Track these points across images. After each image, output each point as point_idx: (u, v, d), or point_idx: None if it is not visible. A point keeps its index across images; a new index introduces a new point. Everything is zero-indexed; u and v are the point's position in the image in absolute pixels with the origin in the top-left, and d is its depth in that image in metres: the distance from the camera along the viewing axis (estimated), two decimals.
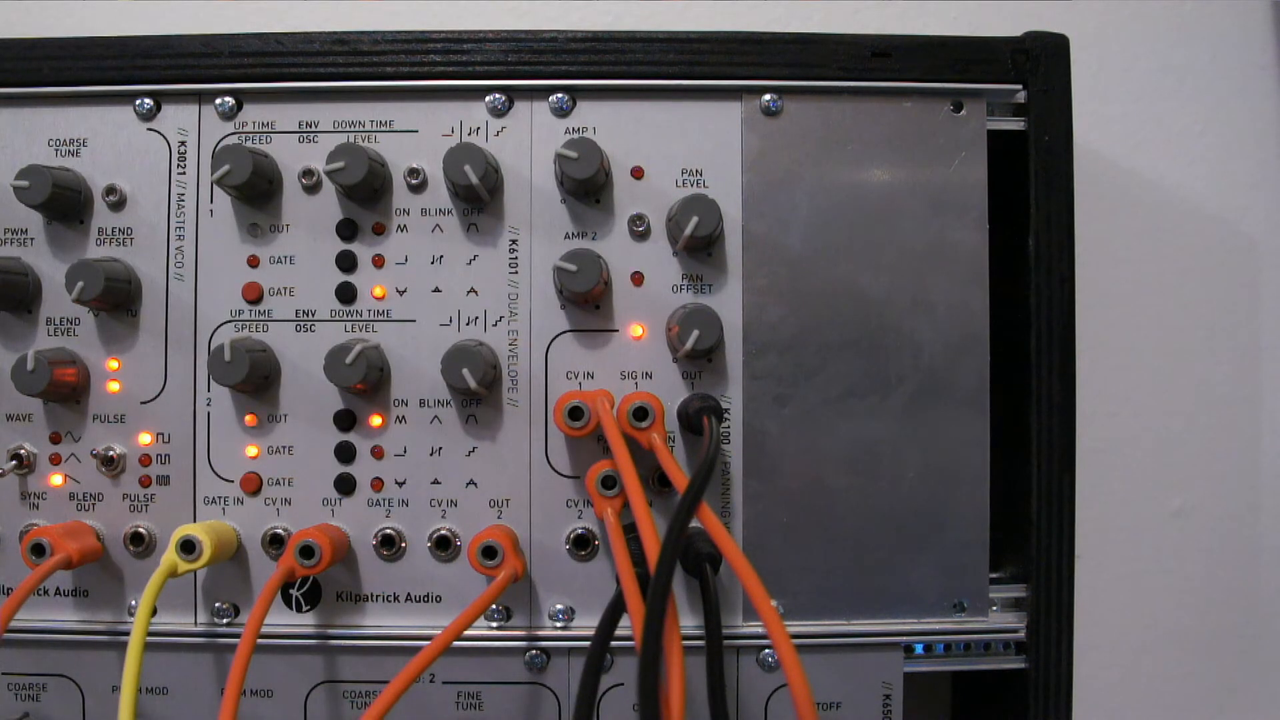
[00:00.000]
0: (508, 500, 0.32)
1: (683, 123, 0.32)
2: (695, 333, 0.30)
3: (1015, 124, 0.32)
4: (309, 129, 0.32)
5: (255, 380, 0.31)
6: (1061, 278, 0.32)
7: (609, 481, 0.29)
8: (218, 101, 0.32)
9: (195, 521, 0.32)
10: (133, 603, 0.32)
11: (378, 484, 0.32)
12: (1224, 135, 0.41)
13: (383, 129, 0.32)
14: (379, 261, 0.32)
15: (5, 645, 0.32)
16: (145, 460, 0.32)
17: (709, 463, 0.26)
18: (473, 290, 0.32)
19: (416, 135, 0.32)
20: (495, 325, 0.32)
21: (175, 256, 0.32)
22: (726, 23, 0.39)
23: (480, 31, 0.32)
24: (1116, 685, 0.41)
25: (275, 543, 0.32)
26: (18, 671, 0.32)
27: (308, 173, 0.32)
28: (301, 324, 0.32)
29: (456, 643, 0.28)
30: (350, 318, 0.32)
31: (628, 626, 0.25)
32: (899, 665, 0.32)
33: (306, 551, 0.29)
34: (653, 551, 0.24)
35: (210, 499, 0.32)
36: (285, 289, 0.32)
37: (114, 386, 0.32)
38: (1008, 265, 0.32)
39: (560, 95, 0.32)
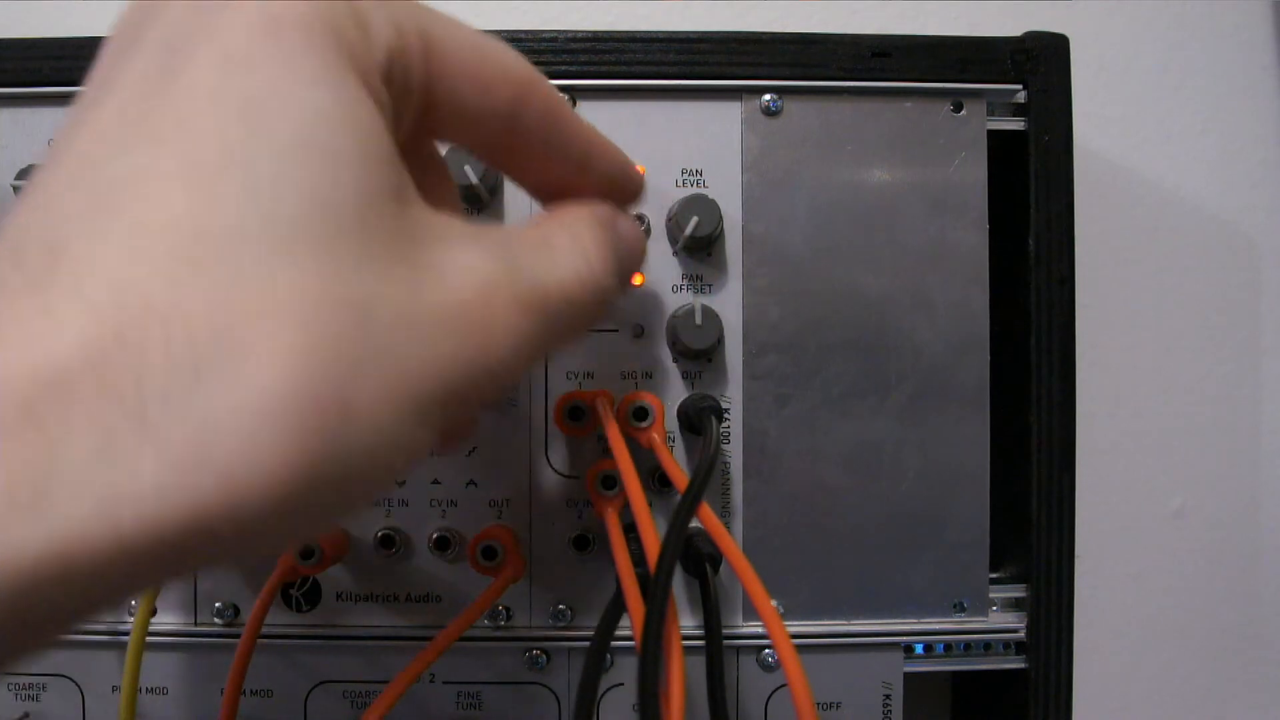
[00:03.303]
0: (508, 500, 0.32)
1: (683, 123, 0.32)
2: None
3: (1015, 124, 0.32)
4: None
5: None
6: (1061, 278, 0.32)
7: (609, 481, 0.29)
8: None
9: None
10: (133, 603, 0.32)
11: None
12: (1224, 135, 0.41)
13: None
14: None
15: None
16: None
17: (709, 463, 0.26)
18: None
19: None
20: None
21: None
22: (726, 23, 0.39)
23: None
24: (1116, 685, 0.41)
25: None
26: (18, 671, 0.32)
27: None
28: None
29: (456, 643, 0.28)
30: None
31: (628, 626, 0.25)
32: (899, 665, 0.32)
33: (306, 552, 0.29)
34: (653, 551, 0.24)
35: None
36: None
37: None
38: (1008, 265, 0.32)
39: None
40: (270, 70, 0.16)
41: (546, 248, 0.20)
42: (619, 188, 0.24)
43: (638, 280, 0.32)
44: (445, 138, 0.22)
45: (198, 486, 0.14)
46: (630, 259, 0.24)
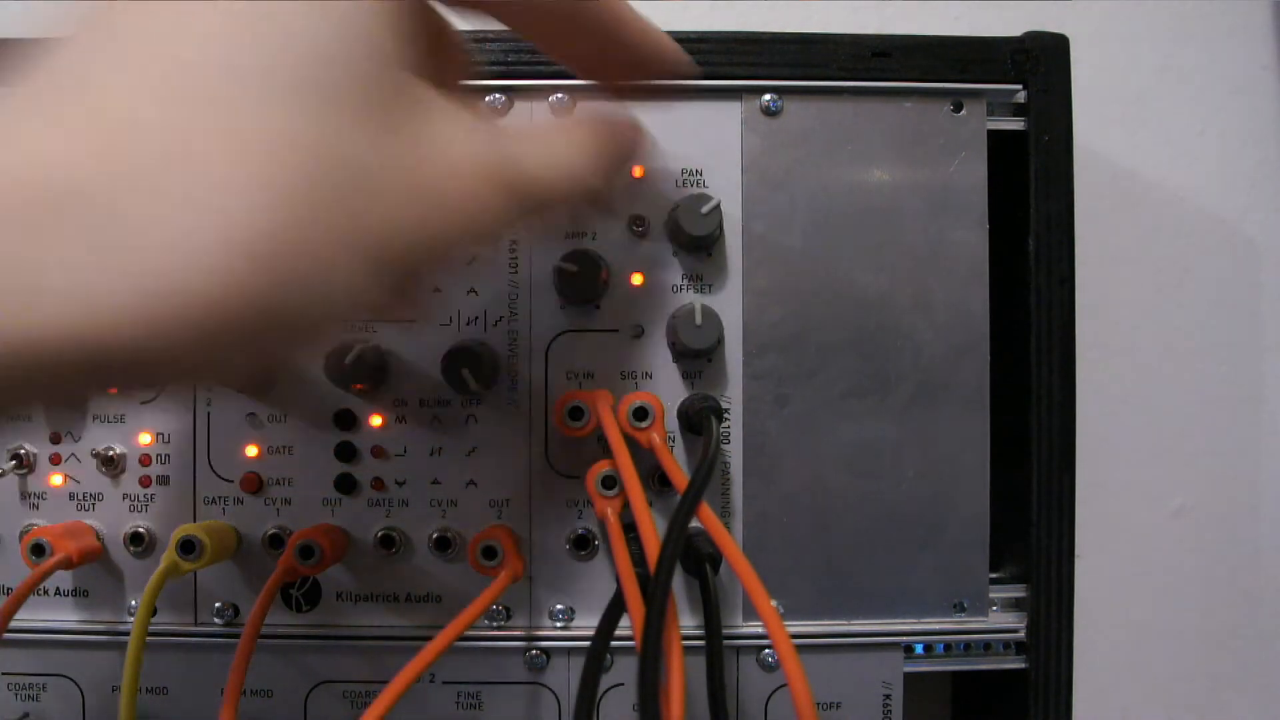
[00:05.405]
0: (508, 500, 0.32)
1: (683, 123, 0.32)
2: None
3: (1015, 124, 0.32)
4: None
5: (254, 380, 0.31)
6: (1061, 278, 0.32)
7: (609, 481, 0.29)
8: None
9: (195, 521, 0.32)
10: (133, 603, 0.32)
11: (378, 484, 0.32)
12: (1224, 135, 0.41)
13: None
14: None
15: (5, 645, 0.32)
16: (145, 460, 0.32)
17: (709, 463, 0.26)
18: (472, 290, 0.32)
19: None
20: (495, 325, 0.32)
21: None
22: (726, 23, 0.39)
23: (480, 31, 0.32)
24: (1116, 685, 0.41)
25: (275, 543, 0.31)
26: (18, 671, 0.32)
27: None
28: None
29: (456, 643, 0.28)
30: None
31: (628, 626, 0.25)
32: (899, 665, 0.32)
33: (306, 551, 0.29)
34: (653, 551, 0.24)
35: (210, 499, 0.32)
36: None
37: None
38: (1008, 265, 0.32)
39: (560, 95, 0.32)
40: None
41: (539, 141, 0.22)
42: (653, 61, 0.25)
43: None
44: (465, 7, 0.22)
45: (161, 300, 0.15)
46: (623, 149, 0.25)
